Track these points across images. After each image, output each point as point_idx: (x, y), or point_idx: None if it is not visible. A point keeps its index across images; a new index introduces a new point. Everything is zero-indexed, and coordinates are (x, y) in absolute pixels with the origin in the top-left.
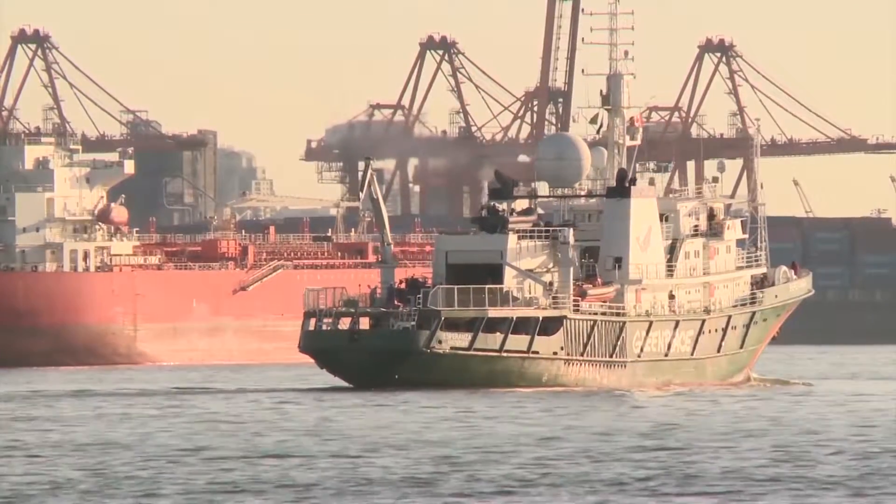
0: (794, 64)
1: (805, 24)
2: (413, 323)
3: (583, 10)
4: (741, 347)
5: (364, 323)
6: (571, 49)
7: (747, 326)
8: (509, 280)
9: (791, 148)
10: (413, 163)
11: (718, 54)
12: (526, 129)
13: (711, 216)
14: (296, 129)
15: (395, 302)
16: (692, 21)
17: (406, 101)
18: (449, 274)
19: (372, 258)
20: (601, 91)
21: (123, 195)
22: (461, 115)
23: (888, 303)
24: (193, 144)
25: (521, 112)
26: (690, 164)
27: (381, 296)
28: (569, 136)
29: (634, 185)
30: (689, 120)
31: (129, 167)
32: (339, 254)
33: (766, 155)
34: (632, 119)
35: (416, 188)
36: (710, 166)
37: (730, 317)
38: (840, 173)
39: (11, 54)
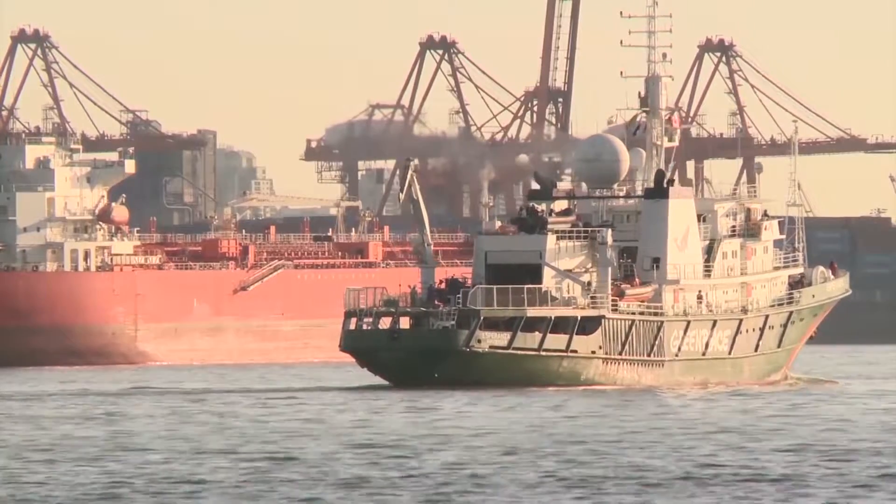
0: (794, 64)
1: (805, 23)
2: (453, 322)
3: (621, 13)
4: (779, 347)
5: (404, 322)
6: (571, 49)
7: (785, 326)
8: (548, 280)
9: (791, 147)
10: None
11: (718, 54)
12: (526, 129)
13: (749, 217)
14: (296, 128)
15: (436, 302)
16: (692, 21)
17: (406, 101)
18: (489, 274)
19: (372, 258)
20: (639, 93)
21: (124, 195)
22: (461, 114)
23: (888, 303)
24: (193, 144)
25: (521, 112)
26: (690, 164)
27: (421, 295)
28: (607, 137)
29: (672, 186)
30: (689, 120)
31: (130, 167)
32: (340, 254)
33: (766, 154)
34: (670, 120)
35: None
36: (710, 166)
37: (767, 316)
38: (840, 173)
39: (11, 54)
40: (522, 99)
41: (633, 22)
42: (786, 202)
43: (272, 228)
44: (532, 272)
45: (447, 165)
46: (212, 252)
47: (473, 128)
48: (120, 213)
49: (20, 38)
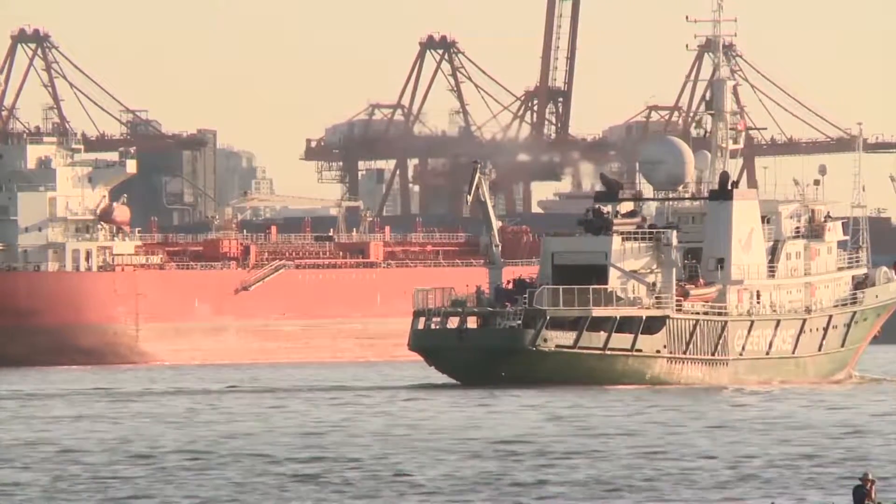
0: (794, 64)
1: (805, 23)
2: (519, 322)
3: (686, 17)
4: (842, 346)
5: (472, 322)
6: (571, 49)
7: (848, 326)
8: (613, 280)
9: (791, 147)
10: (413, 163)
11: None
12: (526, 129)
13: (812, 218)
14: (296, 128)
15: (503, 302)
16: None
17: (406, 101)
18: (555, 274)
19: (373, 258)
20: (704, 96)
21: (125, 195)
22: (461, 114)
23: None
24: (193, 144)
25: (521, 112)
26: None
27: (488, 296)
28: (673, 140)
29: (737, 187)
30: (690, 120)
31: (132, 167)
32: (341, 253)
33: (766, 154)
34: (735, 123)
35: (416, 188)
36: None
37: (831, 316)
38: (840, 173)
39: (11, 54)
40: (522, 99)
41: (700, 27)
42: (850, 203)
43: (273, 228)
44: (598, 273)
45: (447, 165)
46: (213, 252)
47: (473, 128)
48: (121, 212)
49: (20, 38)
